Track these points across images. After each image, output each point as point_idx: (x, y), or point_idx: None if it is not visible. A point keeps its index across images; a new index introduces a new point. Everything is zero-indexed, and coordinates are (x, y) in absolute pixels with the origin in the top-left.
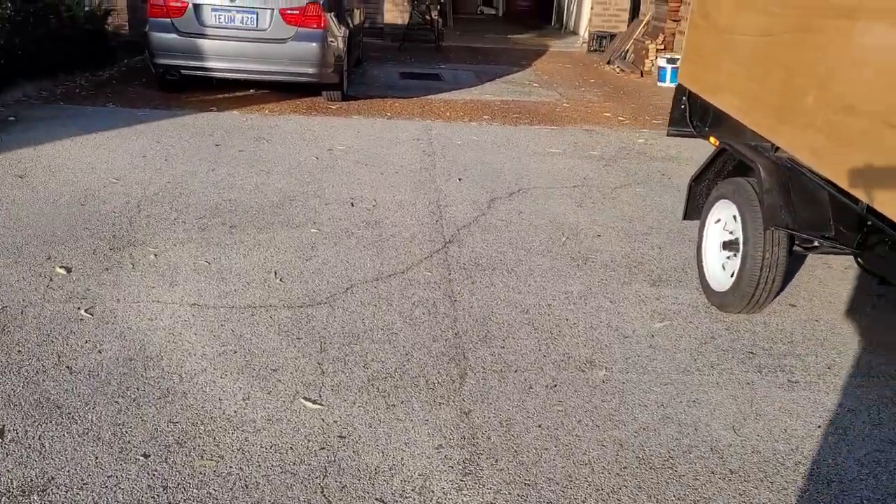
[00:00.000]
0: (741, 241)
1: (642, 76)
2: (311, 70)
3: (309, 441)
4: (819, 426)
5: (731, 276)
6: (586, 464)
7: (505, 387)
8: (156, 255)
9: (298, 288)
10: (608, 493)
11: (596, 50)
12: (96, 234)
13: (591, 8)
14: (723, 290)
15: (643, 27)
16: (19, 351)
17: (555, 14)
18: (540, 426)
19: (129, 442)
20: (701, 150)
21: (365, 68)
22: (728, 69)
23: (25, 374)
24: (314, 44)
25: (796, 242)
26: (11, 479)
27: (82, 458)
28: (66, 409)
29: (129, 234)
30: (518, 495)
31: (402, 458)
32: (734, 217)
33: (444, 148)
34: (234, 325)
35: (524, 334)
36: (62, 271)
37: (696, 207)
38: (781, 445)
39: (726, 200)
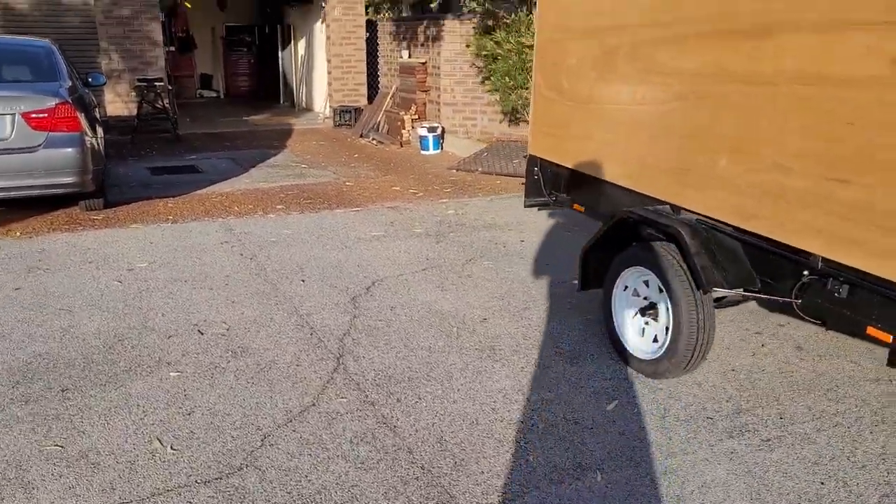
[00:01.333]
0: (667, 306)
1: (402, 146)
2: (70, 179)
3: None
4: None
5: (655, 341)
6: None
7: None
8: None
9: (201, 453)
10: None
11: (343, 125)
12: None
13: (330, 84)
14: (654, 358)
15: (390, 99)
16: None
17: (283, 92)
18: None
19: None
20: (513, 214)
21: (105, 167)
22: (602, 138)
23: None
24: (71, 149)
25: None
26: None
27: None
28: None
29: None
30: None
31: None
32: (646, 283)
33: (260, 248)
34: None
35: (492, 450)
36: None
37: (593, 277)
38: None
39: (637, 267)
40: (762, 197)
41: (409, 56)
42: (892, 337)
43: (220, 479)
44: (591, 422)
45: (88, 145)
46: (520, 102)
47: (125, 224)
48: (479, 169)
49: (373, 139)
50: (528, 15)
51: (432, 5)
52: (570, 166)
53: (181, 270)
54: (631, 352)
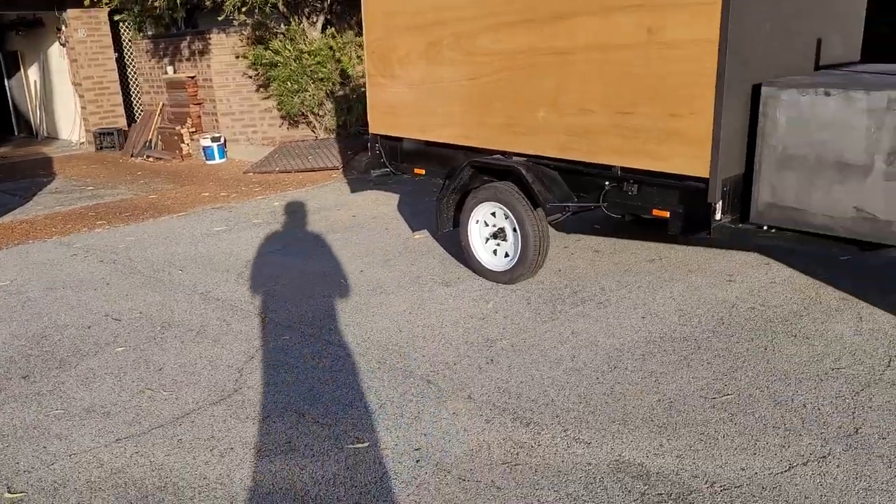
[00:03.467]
0: (515, 226)
1: (183, 160)
2: None
3: None
4: (643, 316)
5: (506, 256)
6: None
7: None
8: None
9: (194, 390)
10: None
11: (106, 147)
12: None
13: (84, 108)
14: (509, 268)
15: (159, 116)
16: None
17: (16, 124)
18: None
19: None
20: (335, 199)
21: None
22: (438, 110)
23: None
24: None
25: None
26: None
27: None
28: None
29: None
30: None
31: None
32: (493, 214)
33: (115, 254)
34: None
35: (422, 340)
36: None
37: (448, 218)
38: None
39: (487, 203)
40: (574, 133)
41: (175, 72)
42: (668, 213)
43: (225, 399)
44: (481, 315)
45: None
46: (304, 104)
47: None
48: (277, 169)
49: (148, 157)
50: (299, 24)
51: (176, 15)
52: (410, 137)
53: (51, 281)
54: (490, 269)
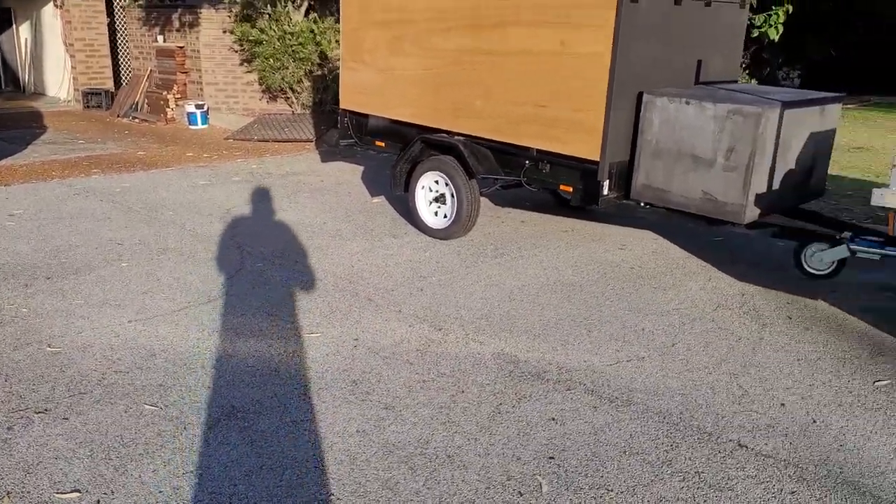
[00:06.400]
0: (453, 193)
1: (167, 123)
2: None
3: None
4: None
5: (445, 217)
6: None
7: None
8: None
9: (186, 292)
10: None
11: (94, 106)
12: None
13: (74, 68)
14: (446, 227)
15: (147, 81)
16: None
17: (3, 77)
18: None
19: None
20: (306, 166)
21: None
22: (398, 93)
23: None
24: None
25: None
26: None
27: None
28: None
29: None
30: None
31: None
32: (436, 182)
33: (112, 196)
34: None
35: (371, 276)
36: None
37: (400, 183)
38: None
39: (432, 172)
40: (503, 119)
41: (165, 41)
42: (571, 188)
43: (212, 301)
44: (419, 260)
45: None
46: (284, 81)
47: None
48: (256, 137)
49: (134, 118)
50: (284, 7)
51: None
52: (374, 114)
53: (59, 212)
54: (431, 226)
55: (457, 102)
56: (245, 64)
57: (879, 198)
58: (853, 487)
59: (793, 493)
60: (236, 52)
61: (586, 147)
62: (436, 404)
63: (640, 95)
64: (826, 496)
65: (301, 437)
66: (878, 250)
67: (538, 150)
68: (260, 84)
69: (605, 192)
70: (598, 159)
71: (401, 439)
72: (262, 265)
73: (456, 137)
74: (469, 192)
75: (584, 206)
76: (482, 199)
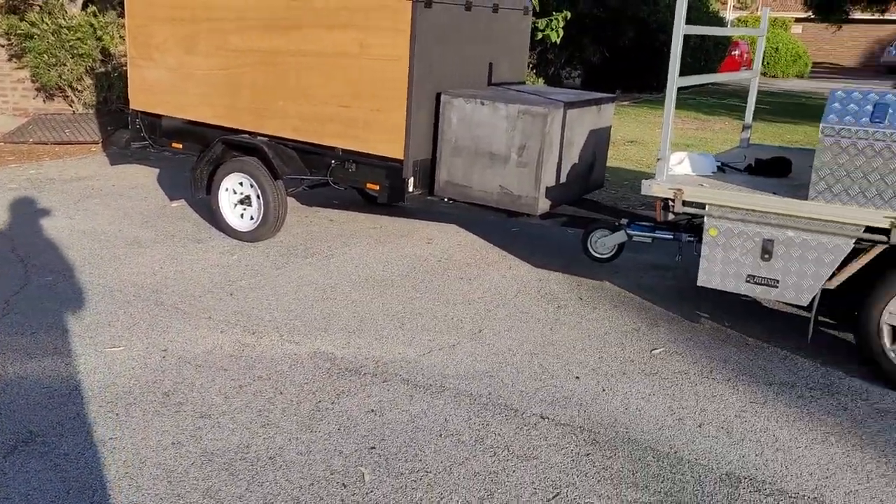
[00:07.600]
0: (258, 194)
1: None
2: None
3: None
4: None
5: (251, 219)
6: None
7: None
8: None
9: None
10: None
11: None
12: None
13: None
14: (253, 229)
15: None
16: None
17: None
18: None
19: None
20: (92, 170)
21: None
22: (194, 92)
23: None
24: None
25: (301, 186)
26: None
27: None
28: None
29: None
30: None
31: None
32: (240, 184)
33: None
34: None
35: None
36: None
37: (201, 186)
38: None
39: (235, 174)
40: (307, 120)
41: None
42: (378, 185)
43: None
44: (227, 264)
45: None
46: (62, 78)
47: None
48: (31, 140)
49: None
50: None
51: None
52: (168, 115)
53: None
54: (237, 229)
55: (259, 103)
56: (14, 59)
57: (647, 188)
58: (636, 444)
59: (587, 455)
60: (3, 46)
61: (391, 146)
62: (254, 408)
63: (438, 96)
64: (614, 453)
65: (110, 455)
66: (649, 234)
67: (343, 150)
68: (33, 81)
69: (411, 189)
70: (402, 157)
71: (220, 446)
72: (51, 279)
73: (259, 138)
74: (275, 193)
75: (391, 203)
76: (289, 199)
